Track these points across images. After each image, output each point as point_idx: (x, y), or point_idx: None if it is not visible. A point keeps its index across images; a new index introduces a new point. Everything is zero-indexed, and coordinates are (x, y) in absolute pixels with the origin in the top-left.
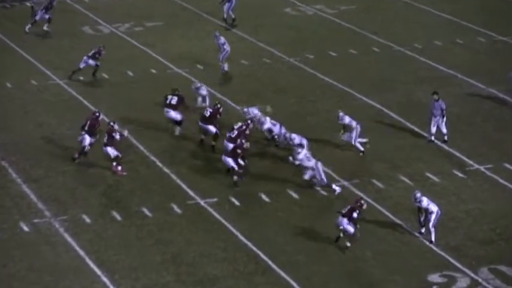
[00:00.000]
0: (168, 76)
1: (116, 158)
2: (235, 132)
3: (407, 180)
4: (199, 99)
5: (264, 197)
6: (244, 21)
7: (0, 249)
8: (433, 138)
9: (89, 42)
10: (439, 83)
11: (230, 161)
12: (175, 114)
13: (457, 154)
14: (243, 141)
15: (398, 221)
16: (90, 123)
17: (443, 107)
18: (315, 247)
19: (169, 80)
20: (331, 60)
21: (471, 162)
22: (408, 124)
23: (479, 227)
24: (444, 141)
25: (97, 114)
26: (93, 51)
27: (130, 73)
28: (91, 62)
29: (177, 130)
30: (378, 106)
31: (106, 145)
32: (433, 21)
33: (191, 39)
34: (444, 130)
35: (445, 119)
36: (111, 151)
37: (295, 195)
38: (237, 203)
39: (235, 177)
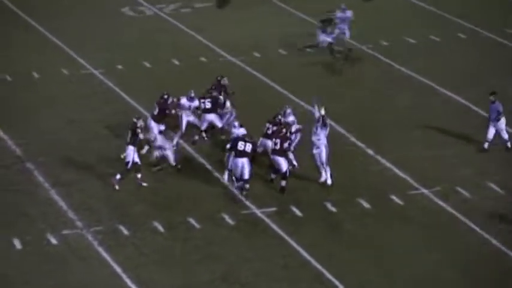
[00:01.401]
0: (220, 65)
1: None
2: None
3: (497, 189)
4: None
5: (330, 206)
6: (307, 2)
7: (24, 265)
8: (486, 145)
9: (129, 26)
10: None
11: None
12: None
13: None
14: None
15: (487, 236)
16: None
17: (500, 109)
18: (389, 265)
19: (222, 70)
20: (409, 48)
21: None
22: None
23: None
24: (507, 149)
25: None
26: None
27: (175, 61)
28: (327, 38)
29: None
30: (464, 102)
31: (128, 144)
32: None
33: (247, 23)
34: (505, 136)
35: (502, 122)
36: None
37: (366, 205)
38: (298, 213)
39: (283, 182)
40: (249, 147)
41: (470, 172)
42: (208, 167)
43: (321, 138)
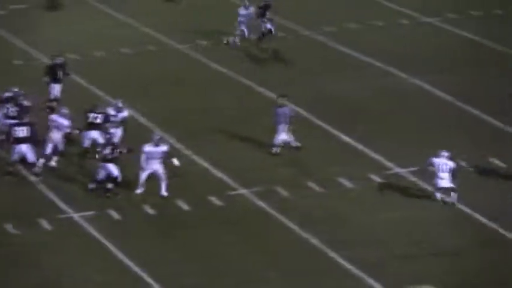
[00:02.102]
0: (34, 68)
1: None
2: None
3: (317, 188)
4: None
5: (148, 209)
6: (125, 3)
7: None
8: (276, 150)
9: None
10: (353, 73)
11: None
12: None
13: (375, 156)
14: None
15: (306, 235)
16: None
17: (287, 112)
18: (211, 267)
19: (37, 72)
20: (226, 48)
21: (390, 165)
22: (319, 122)
23: (402, 240)
24: (297, 148)
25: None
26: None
27: None
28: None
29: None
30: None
31: None
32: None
33: (64, 24)
34: (285, 137)
35: (287, 126)
36: None
37: (185, 206)
38: (117, 216)
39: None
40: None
41: (290, 172)
42: (23, 172)
43: (156, 156)
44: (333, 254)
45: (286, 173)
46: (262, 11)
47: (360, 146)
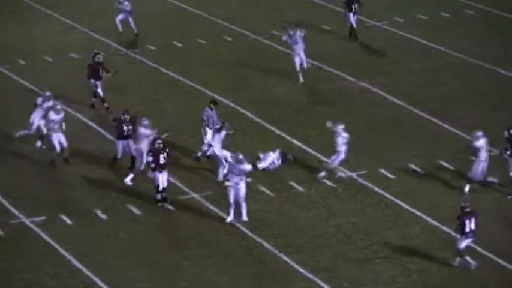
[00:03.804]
0: None
1: None
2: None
3: (267, 191)
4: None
5: (100, 213)
6: (74, 9)
7: None
8: (199, 154)
9: None
10: (303, 77)
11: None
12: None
13: (325, 159)
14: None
15: (258, 239)
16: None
17: (214, 116)
18: (162, 272)
19: None
20: (176, 52)
21: (341, 169)
22: (268, 125)
23: (353, 244)
24: (206, 156)
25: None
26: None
27: None
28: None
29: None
30: (232, 105)
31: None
32: (291, 5)
33: (11, 29)
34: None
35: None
36: None
37: (136, 211)
38: (69, 221)
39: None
40: None
41: None
42: None
43: (242, 176)
44: (285, 258)
45: None
46: (350, 6)
47: (310, 150)
